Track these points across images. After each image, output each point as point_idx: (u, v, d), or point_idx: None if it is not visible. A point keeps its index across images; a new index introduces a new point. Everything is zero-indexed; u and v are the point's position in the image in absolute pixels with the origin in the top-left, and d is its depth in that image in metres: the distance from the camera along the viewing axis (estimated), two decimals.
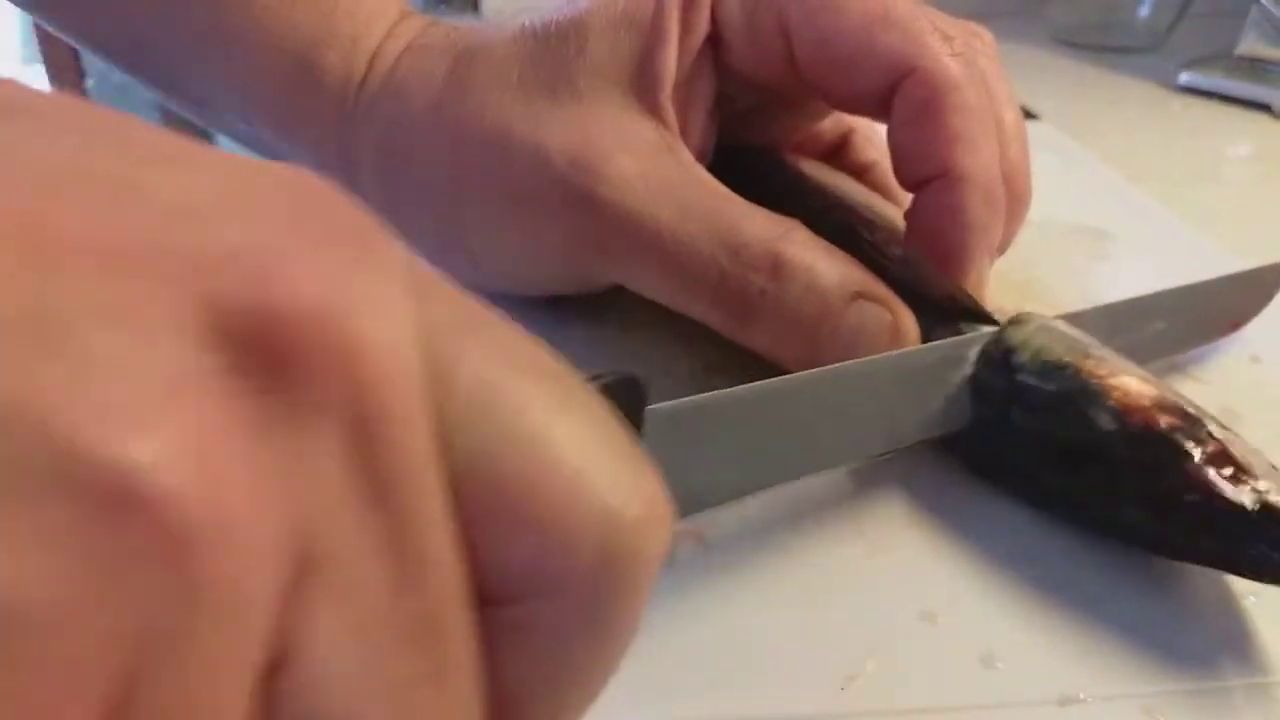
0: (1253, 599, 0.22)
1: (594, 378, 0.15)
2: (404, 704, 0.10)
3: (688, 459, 0.20)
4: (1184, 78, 0.62)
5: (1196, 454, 0.22)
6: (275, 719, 0.10)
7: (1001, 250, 0.29)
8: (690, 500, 0.19)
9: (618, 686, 0.20)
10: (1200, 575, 0.23)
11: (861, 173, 0.34)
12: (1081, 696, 0.20)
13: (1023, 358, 0.24)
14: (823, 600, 0.22)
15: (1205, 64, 0.63)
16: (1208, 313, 0.31)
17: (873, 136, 0.34)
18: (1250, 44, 0.63)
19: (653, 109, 0.27)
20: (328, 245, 0.10)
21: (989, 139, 0.27)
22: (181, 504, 0.08)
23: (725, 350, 0.28)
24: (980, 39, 0.28)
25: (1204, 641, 0.21)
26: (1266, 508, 0.21)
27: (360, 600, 0.10)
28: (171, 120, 0.40)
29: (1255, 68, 0.61)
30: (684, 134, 0.28)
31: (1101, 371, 0.24)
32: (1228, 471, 0.21)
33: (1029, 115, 0.55)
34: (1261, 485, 0.21)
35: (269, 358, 0.09)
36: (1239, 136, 0.57)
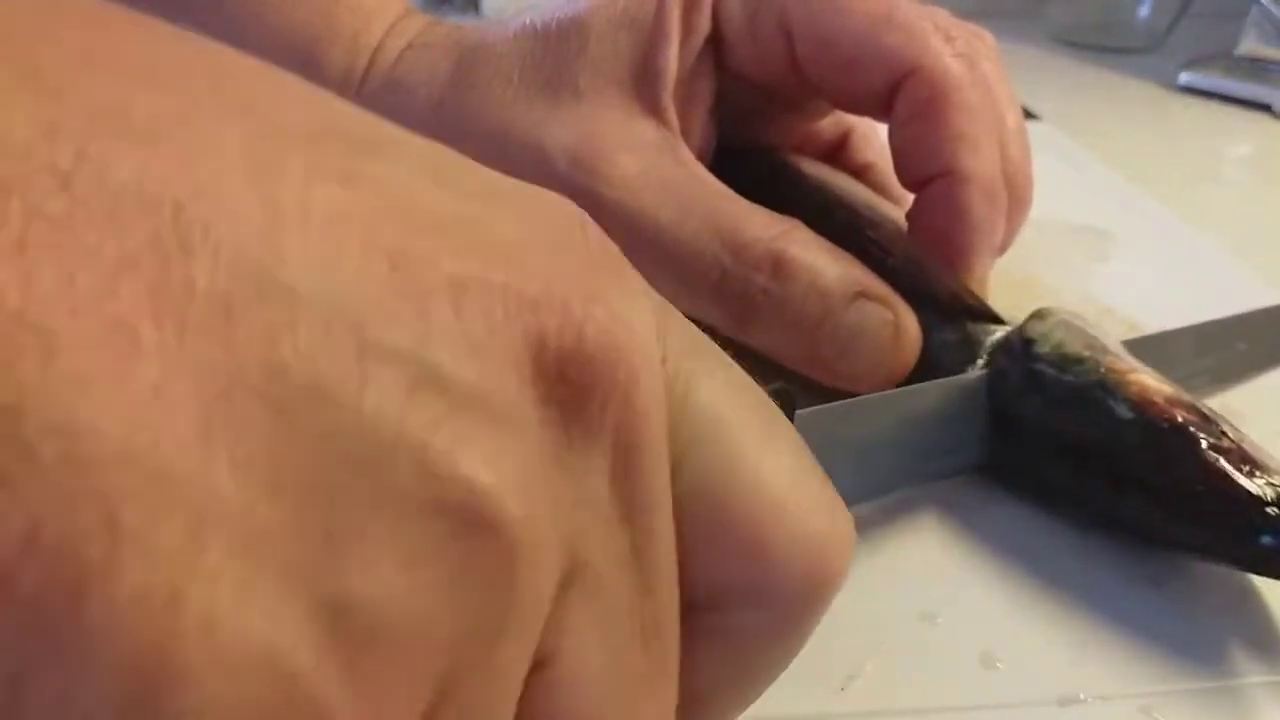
0: (1252, 599, 0.22)
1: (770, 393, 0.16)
2: (633, 700, 0.11)
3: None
4: (1184, 78, 0.62)
5: (1211, 445, 0.22)
6: (534, 714, 0.11)
7: (1002, 250, 0.29)
8: None
9: None
10: (1200, 576, 0.23)
11: (860, 173, 0.34)
12: (1081, 696, 0.20)
13: (1043, 349, 0.24)
14: None
15: (1205, 64, 0.63)
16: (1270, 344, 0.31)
17: (871, 137, 0.35)
18: (1250, 44, 0.63)
19: (653, 109, 0.27)
20: (610, 281, 0.11)
21: (991, 138, 0.27)
22: (516, 526, 0.09)
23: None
24: (982, 40, 0.28)
25: (1203, 641, 0.21)
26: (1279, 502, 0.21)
27: (611, 604, 0.11)
28: None
29: (1255, 67, 0.61)
30: (685, 134, 0.28)
31: (1120, 366, 0.24)
32: (1241, 464, 0.21)
33: (1029, 116, 0.55)
34: (1276, 479, 0.21)
35: (572, 391, 0.10)
36: (1239, 136, 0.57)
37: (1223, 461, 0.21)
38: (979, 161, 0.26)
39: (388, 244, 0.09)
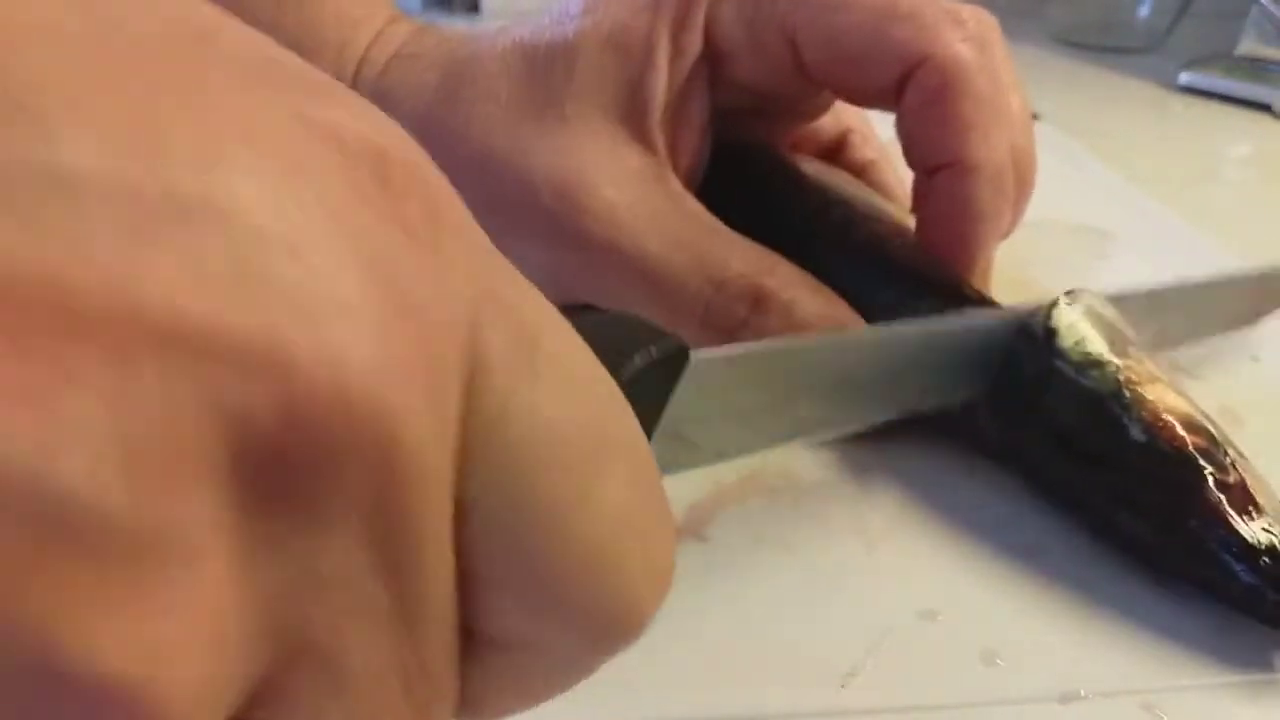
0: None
1: (643, 349, 0.15)
2: None
3: (718, 410, 0.20)
4: (1184, 78, 0.62)
5: (1216, 481, 0.22)
6: None
7: (1006, 235, 0.29)
8: (716, 450, 0.20)
9: (618, 684, 0.20)
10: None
11: (859, 172, 0.34)
12: (1082, 693, 0.20)
13: (1065, 344, 0.24)
14: (823, 597, 0.22)
15: (1205, 64, 0.63)
16: (1229, 305, 0.32)
17: (870, 136, 0.35)
18: (1250, 44, 0.63)
19: (641, 136, 0.27)
20: (380, 301, 0.09)
21: (1000, 126, 0.27)
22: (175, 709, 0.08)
23: None
24: (988, 22, 0.28)
25: (1205, 638, 0.21)
26: (1272, 550, 0.21)
27: (356, 667, 0.10)
28: None
29: (1255, 67, 0.62)
30: (676, 153, 0.28)
31: (1139, 375, 0.24)
32: (1242, 505, 0.21)
33: None
34: (1272, 526, 0.21)
35: (290, 478, 0.08)
36: (1239, 136, 0.57)
37: (1224, 503, 0.22)
38: (988, 151, 0.26)
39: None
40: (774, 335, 0.26)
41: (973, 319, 0.26)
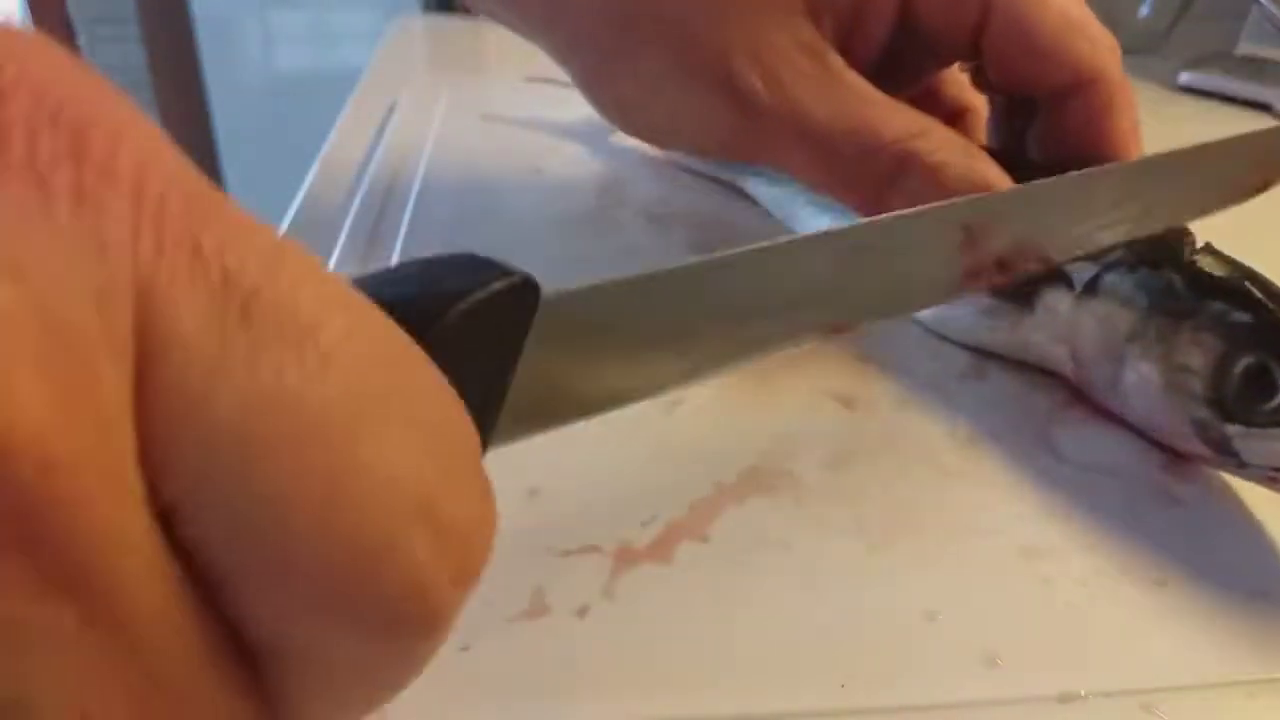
0: (1253, 596, 0.22)
1: (480, 287, 0.14)
2: None
3: (593, 351, 0.18)
4: (1184, 78, 0.62)
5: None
6: None
7: None
8: (601, 397, 0.18)
9: (617, 682, 0.20)
10: (1202, 573, 0.23)
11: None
12: (1082, 693, 0.20)
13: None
14: (824, 597, 0.22)
15: (1205, 64, 0.63)
16: (1231, 172, 0.32)
17: (983, 123, 0.36)
18: (1250, 44, 0.63)
19: (815, 15, 0.29)
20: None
21: (1138, 148, 0.30)
22: None
23: None
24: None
25: (1204, 639, 0.21)
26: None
27: (44, 690, 0.08)
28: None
29: (1255, 67, 0.62)
30: (848, 55, 0.30)
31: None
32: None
33: None
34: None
35: None
36: None
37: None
38: (1115, 67, 0.30)
39: None
40: (924, 199, 0.26)
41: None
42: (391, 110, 0.52)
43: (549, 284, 0.32)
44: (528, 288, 0.15)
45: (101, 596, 0.08)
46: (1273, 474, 0.24)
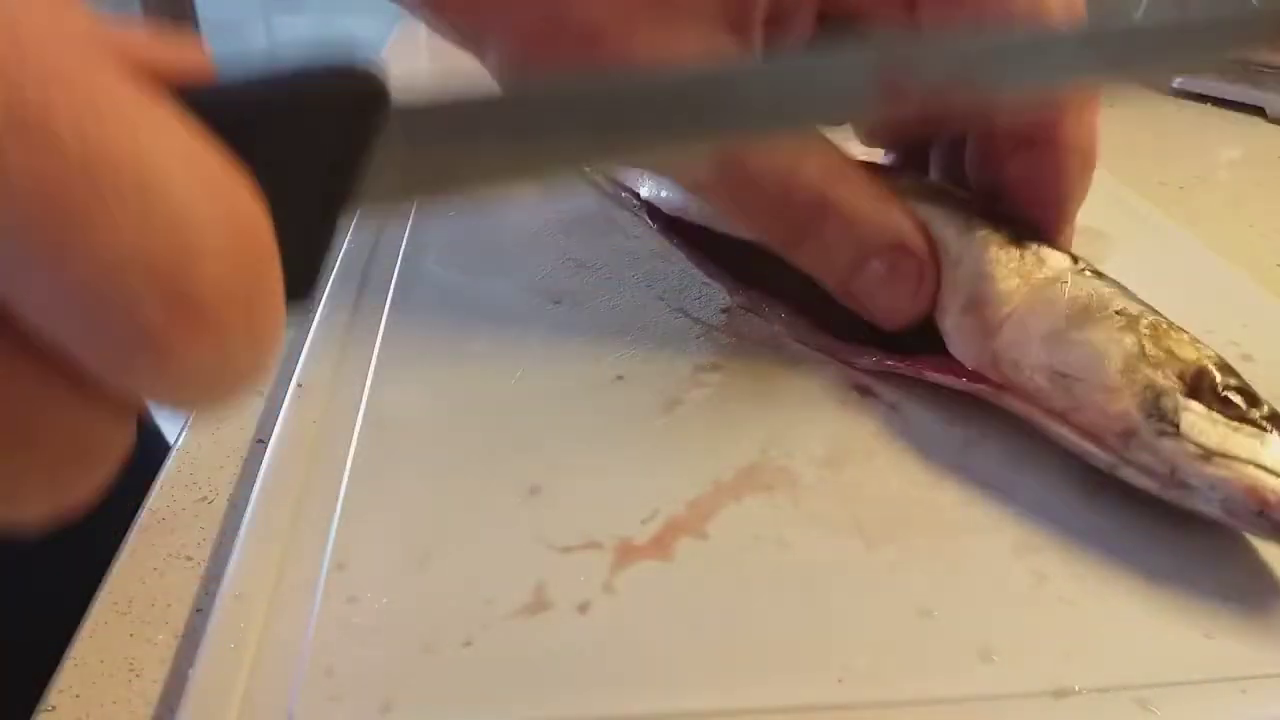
0: (1249, 592, 0.23)
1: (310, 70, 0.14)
2: None
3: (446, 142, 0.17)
4: (1178, 81, 0.63)
5: None
6: None
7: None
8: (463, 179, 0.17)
9: (617, 676, 0.20)
10: (1196, 568, 0.23)
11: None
12: (1076, 689, 0.20)
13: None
14: (820, 594, 0.23)
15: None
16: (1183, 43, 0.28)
17: None
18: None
19: (740, 30, 0.28)
20: None
21: (1091, 106, 0.29)
22: None
23: None
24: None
25: (1198, 635, 0.22)
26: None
27: None
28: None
29: (1248, 71, 0.62)
30: (787, 33, 0.29)
31: None
32: None
33: None
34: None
35: None
36: (1232, 139, 0.57)
37: None
38: (1080, 131, 0.29)
39: None
40: (829, 248, 0.28)
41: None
42: None
43: (547, 286, 0.32)
44: (369, 80, 0.15)
45: None
46: (1209, 459, 0.23)
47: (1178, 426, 0.24)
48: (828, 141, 0.28)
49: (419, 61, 0.69)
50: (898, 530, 0.24)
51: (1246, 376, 0.25)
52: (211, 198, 0.11)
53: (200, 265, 0.11)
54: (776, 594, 0.23)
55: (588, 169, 0.20)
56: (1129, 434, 0.24)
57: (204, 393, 0.12)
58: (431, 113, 0.16)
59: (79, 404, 0.12)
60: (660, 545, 0.24)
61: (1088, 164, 0.29)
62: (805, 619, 0.22)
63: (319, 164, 0.14)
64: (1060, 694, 0.20)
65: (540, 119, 0.18)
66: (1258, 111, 0.59)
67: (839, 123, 0.25)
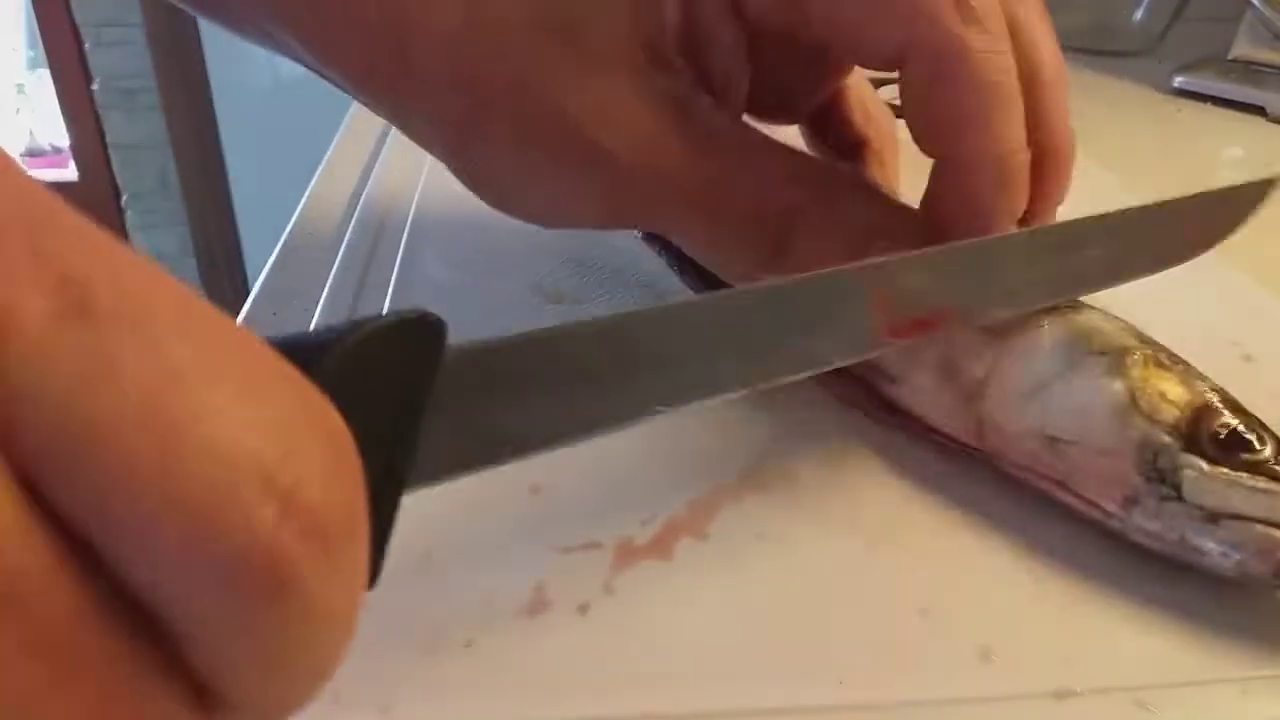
0: (1248, 593, 0.23)
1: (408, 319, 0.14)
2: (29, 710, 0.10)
3: (498, 401, 0.18)
4: (1178, 81, 0.63)
5: None
6: None
7: (1059, 202, 0.28)
8: (508, 445, 0.18)
9: (618, 676, 0.20)
10: (1195, 570, 0.23)
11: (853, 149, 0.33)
12: (1076, 689, 0.20)
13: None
14: (821, 594, 0.23)
15: (1199, 67, 0.63)
16: (1167, 236, 0.29)
17: (886, 157, 0.33)
18: (1244, 47, 0.63)
19: (658, 57, 0.26)
20: None
21: (1004, 108, 0.24)
22: None
23: None
24: None
25: (1199, 635, 0.22)
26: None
27: None
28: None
29: (1249, 71, 0.62)
30: (708, 77, 0.27)
31: None
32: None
33: None
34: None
35: None
36: (1233, 139, 0.57)
37: None
38: (985, 142, 0.24)
39: None
40: (820, 255, 0.25)
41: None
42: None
43: (547, 286, 0.32)
44: (426, 325, 0.15)
45: None
46: (1206, 517, 0.22)
47: (1179, 490, 0.22)
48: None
49: None
50: (898, 530, 0.24)
51: (1247, 377, 0.25)
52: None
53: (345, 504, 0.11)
54: (777, 594, 0.23)
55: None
56: (1131, 501, 0.23)
57: (294, 659, 0.11)
58: (483, 355, 0.17)
59: (159, 686, 0.11)
60: (660, 545, 0.24)
61: (1002, 180, 0.25)
62: (805, 619, 0.22)
63: (381, 394, 0.14)
64: (1060, 695, 0.20)
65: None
66: (1258, 111, 0.59)
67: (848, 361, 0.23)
